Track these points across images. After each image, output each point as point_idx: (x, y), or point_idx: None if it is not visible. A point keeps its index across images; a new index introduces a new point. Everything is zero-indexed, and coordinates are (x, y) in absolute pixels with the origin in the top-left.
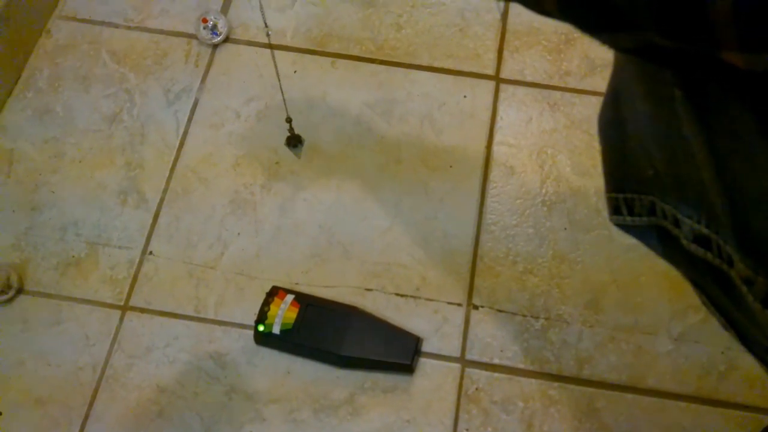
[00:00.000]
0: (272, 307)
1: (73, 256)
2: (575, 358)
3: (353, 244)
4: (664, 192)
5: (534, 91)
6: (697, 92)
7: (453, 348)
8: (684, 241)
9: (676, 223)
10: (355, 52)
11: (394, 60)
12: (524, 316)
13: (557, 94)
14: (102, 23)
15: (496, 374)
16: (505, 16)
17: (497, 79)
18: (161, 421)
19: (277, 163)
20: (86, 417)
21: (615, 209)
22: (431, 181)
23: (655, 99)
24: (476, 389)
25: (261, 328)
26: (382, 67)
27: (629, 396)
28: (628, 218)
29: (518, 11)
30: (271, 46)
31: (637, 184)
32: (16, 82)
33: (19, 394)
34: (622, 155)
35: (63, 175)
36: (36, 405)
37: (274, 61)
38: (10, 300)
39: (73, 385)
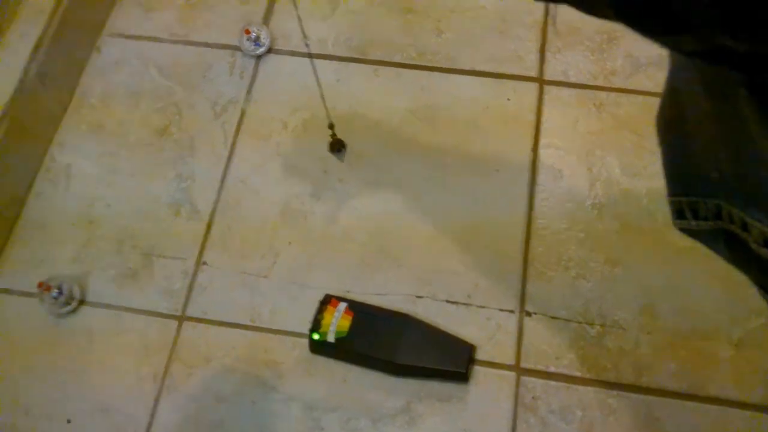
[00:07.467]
0: (326, 315)
1: (130, 268)
2: (633, 365)
3: (403, 251)
4: (730, 195)
5: (579, 91)
6: (763, 90)
7: (507, 356)
8: (753, 245)
9: (745, 227)
10: (397, 58)
11: (436, 65)
12: (579, 322)
13: (603, 94)
14: (149, 39)
15: (552, 382)
16: (545, 16)
17: (540, 81)
18: (221, 431)
19: (325, 171)
20: (149, 426)
21: (678, 213)
22: (478, 186)
23: (719, 98)
24: (533, 398)
25: (316, 336)
26: (424, 72)
27: (690, 404)
28: (693, 222)
29: (560, 11)
30: (311, 56)
31: (701, 186)
32: (70, 100)
33: (85, 402)
34: (684, 157)
35: (117, 188)
36: (102, 413)
37: (315, 70)
38: (73, 311)
39: (135, 394)
